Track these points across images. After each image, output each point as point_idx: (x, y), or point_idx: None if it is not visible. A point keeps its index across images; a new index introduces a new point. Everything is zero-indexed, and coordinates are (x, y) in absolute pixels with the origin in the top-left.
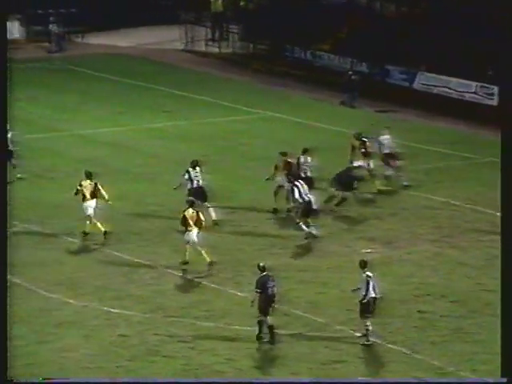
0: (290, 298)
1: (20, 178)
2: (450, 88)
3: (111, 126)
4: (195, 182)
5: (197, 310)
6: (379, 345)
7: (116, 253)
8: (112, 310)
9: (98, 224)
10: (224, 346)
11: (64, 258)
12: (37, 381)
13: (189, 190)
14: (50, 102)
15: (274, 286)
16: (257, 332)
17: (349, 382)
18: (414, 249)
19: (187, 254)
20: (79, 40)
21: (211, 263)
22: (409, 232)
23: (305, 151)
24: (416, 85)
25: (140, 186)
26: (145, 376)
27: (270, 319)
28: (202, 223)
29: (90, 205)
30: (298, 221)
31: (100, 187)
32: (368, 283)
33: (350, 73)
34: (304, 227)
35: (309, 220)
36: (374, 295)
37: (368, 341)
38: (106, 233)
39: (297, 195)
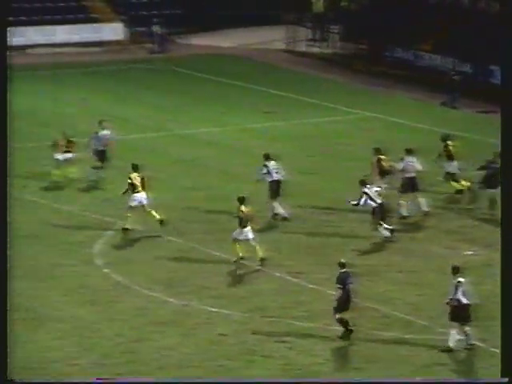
0: (390, 300)
1: (94, 181)
2: None
3: (212, 126)
4: (274, 174)
5: (295, 311)
6: (481, 348)
7: (215, 252)
8: (211, 309)
9: (129, 214)
10: (322, 347)
11: (164, 257)
12: (37, 381)
13: (270, 182)
14: (152, 103)
15: (352, 282)
16: (342, 331)
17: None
18: None
19: (239, 249)
20: (181, 41)
21: (262, 259)
22: None
23: (409, 151)
24: None
25: (238, 185)
26: (243, 376)
27: (338, 315)
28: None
29: (141, 197)
30: (378, 223)
31: (146, 180)
32: (457, 288)
33: (453, 73)
34: (381, 230)
35: (382, 222)
36: (465, 301)
37: (470, 344)
38: (162, 221)
39: (362, 202)
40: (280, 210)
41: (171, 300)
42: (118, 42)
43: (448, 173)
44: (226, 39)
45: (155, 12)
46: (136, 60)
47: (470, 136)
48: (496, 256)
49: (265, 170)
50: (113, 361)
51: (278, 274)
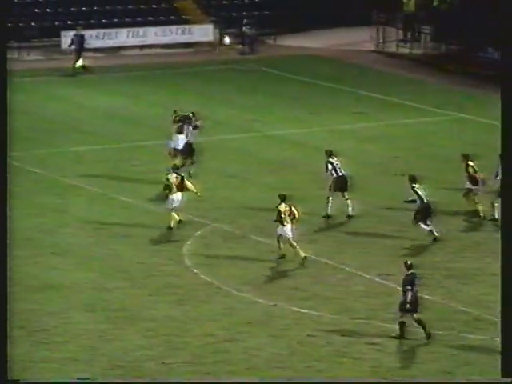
0: (482, 303)
1: (190, 176)
2: None
3: (301, 127)
4: (338, 170)
5: (384, 313)
6: None
7: (303, 254)
8: (300, 310)
9: (175, 215)
10: (412, 350)
11: (253, 258)
12: (37, 381)
13: (334, 178)
14: (242, 103)
15: (418, 284)
16: (398, 333)
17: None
18: None
19: (282, 247)
20: (272, 42)
21: (305, 258)
22: None
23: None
24: None
25: (326, 186)
26: (334, 377)
27: (416, 315)
28: (295, 216)
29: (176, 198)
30: (415, 222)
31: (186, 181)
32: None
33: None
34: (424, 226)
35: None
36: None
37: None
38: (180, 221)
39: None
40: (329, 207)
41: (260, 300)
42: (208, 44)
43: None
44: (315, 40)
45: (245, 13)
46: (226, 61)
47: None
48: None
49: (330, 167)
50: (202, 360)
51: (367, 276)
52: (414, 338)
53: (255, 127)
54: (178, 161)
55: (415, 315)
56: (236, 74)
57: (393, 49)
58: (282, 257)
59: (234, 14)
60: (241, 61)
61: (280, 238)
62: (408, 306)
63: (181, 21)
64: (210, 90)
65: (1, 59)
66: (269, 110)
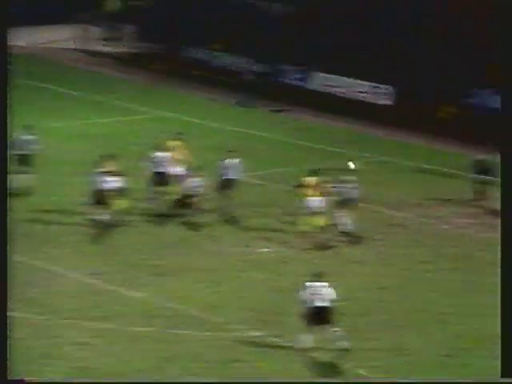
0: (186, 298)
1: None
2: (343, 88)
3: None
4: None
5: (93, 312)
6: (277, 344)
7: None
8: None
9: None
10: (122, 348)
11: None
12: (37, 380)
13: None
14: None
15: None
16: None
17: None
18: (311, 247)
19: None
20: None
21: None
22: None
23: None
24: (310, 84)
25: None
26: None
27: None
28: None
29: None
30: None
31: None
32: (312, 294)
33: (246, 72)
34: None
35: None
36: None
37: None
38: None
39: None
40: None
41: None
42: None
43: None
44: (15, 37)
45: None
46: None
47: (267, 135)
48: (290, 253)
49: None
50: None
51: (74, 276)
52: (121, 336)
53: None
54: None
55: None
56: None
57: (96, 47)
58: None
59: None
60: None
61: None
62: None
63: None
64: None
65: (1, 56)
66: None
